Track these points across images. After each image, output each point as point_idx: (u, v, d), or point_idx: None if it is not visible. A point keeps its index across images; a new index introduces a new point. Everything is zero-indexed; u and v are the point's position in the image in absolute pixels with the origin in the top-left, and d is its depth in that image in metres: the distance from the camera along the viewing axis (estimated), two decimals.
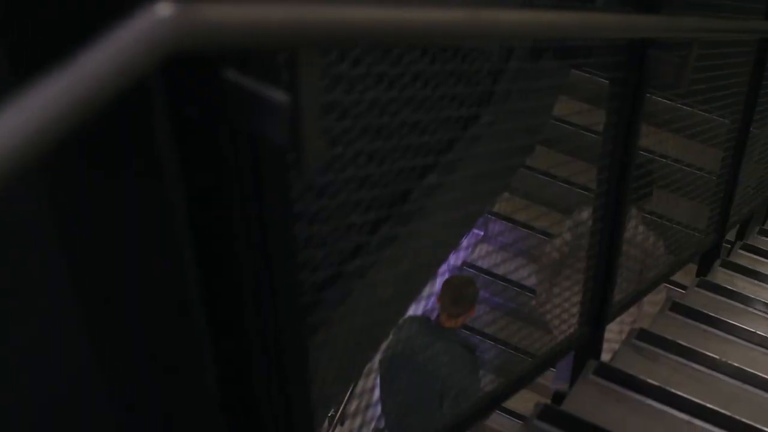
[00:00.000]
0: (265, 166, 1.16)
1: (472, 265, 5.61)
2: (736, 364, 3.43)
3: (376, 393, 4.03)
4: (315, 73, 1.05)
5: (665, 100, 3.77)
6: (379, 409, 4.13)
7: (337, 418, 4.79)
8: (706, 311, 3.95)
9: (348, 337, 1.87)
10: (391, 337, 3.75)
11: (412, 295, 2.42)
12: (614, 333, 3.86)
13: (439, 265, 3.03)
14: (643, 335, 3.49)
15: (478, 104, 2.09)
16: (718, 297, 4.26)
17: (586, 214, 3.17)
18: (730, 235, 5.10)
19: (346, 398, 4.60)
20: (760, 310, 4.21)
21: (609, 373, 3.07)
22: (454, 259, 5.25)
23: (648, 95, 2.64)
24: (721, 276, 4.62)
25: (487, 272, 5.57)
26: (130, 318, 1.21)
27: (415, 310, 2.30)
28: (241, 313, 1.23)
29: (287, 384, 1.35)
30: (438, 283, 3.95)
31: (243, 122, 1.07)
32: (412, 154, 1.79)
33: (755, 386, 3.33)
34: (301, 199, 1.43)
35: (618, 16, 2.14)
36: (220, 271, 1.19)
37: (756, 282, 4.66)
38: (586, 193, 4.27)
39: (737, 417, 2.98)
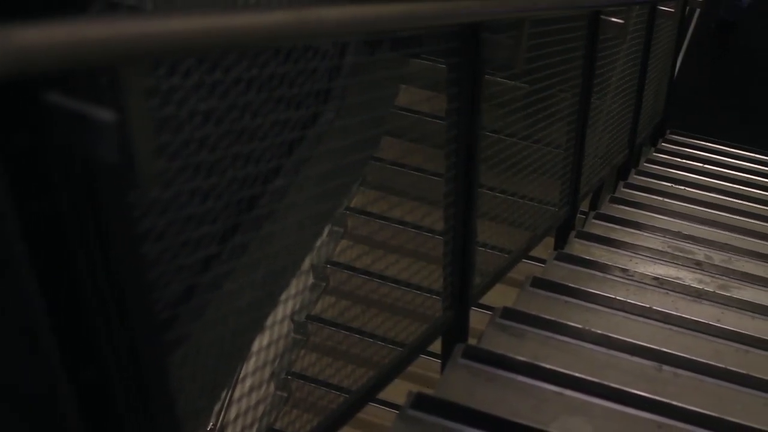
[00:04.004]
0: (101, 187, 1.14)
1: (335, 262, 5.60)
2: (599, 332, 3.50)
3: None
4: (141, 89, 1.03)
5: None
6: None
7: (217, 428, 4.74)
8: (566, 283, 4.03)
9: (210, 349, 1.85)
10: None
11: (273, 300, 2.41)
12: None
13: (297, 266, 3.03)
14: (507, 313, 3.53)
15: (316, 103, 2.09)
16: (577, 267, 4.35)
17: None
18: (584, 206, 5.23)
19: (224, 408, 4.56)
20: (617, 276, 4.32)
21: (477, 354, 3.11)
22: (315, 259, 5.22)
23: (487, 77, 2.68)
24: (577, 247, 4.72)
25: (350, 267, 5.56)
26: None
27: (274, 314, 2.30)
28: (95, 341, 1.21)
29: (150, 404, 1.32)
30: None
31: (73, 145, 1.05)
32: (255, 159, 1.79)
33: (619, 350, 3.40)
34: (145, 217, 1.41)
35: (444, 3, 2.17)
36: (68, 300, 1.16)
37: (611, 249, 4.78)
38: (438, 179, 4.30)
39: (605, 383, 3.04)
